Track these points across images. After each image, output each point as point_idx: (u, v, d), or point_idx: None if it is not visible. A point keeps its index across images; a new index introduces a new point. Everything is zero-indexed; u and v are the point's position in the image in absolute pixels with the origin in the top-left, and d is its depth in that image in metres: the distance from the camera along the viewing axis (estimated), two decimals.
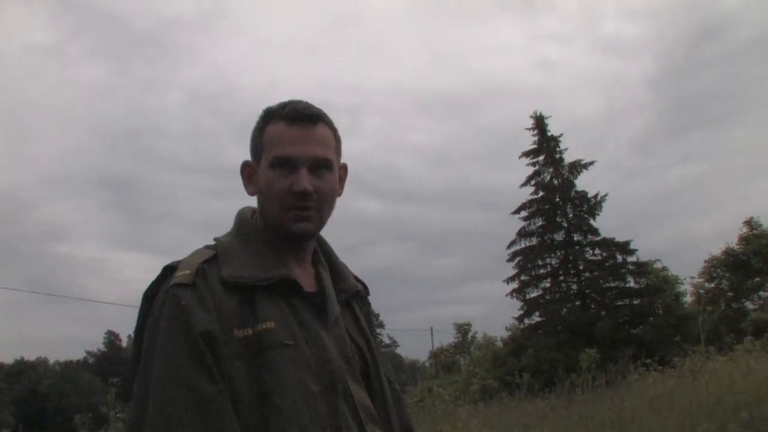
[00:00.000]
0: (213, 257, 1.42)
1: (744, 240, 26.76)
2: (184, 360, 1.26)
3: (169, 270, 1.40)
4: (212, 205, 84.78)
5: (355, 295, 1.62)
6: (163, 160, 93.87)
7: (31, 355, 62.59)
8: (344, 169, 1.62)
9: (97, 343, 64.01)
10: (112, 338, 64.23)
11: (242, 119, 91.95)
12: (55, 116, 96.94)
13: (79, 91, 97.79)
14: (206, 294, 1.33)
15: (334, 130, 1.53)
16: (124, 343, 65.20)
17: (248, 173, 1.55)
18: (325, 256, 1.62)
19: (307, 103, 1.52)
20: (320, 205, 1.47)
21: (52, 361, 64.03)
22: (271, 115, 1.50)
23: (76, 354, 66.20)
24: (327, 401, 1.34)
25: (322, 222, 1.51)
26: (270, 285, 1.39)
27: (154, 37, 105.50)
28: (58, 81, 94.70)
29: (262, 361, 1.31)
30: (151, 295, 1.40)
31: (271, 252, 1.46)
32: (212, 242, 1.50)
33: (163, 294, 1.35)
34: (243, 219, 1.55)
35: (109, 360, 61.18)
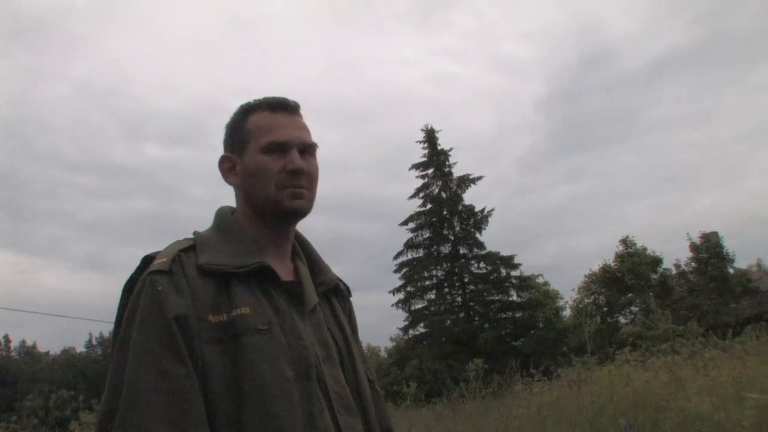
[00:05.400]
0: (191, 246, 1.43)
1: (620, 258, 27.99)
2: (156, 344, 1.26)
3: (147, 260, 1.42)
4: (97, 205, 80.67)
5: (335, 291, 1.65)
6: (45, 155, 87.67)
7: None
8: None
9: None
10: None
11: (132, 116, 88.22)
12: None
13: None
14: (182, 280, 1.34)
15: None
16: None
17: (227, 166, 1.57)
18: (304, 252, 1.65)
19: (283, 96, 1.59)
20: (310, 185, 1.53)
21: None
22: (251, 108, 1.56)
23: None
24: (301, 387, 1.34)
25: (312, 202, 1.55)
26: (247, 273, 1.40)
27: (43, 24, 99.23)
28: None
29: (237, 346, 1.31)
30: (129, 287, 1.40)
31: (249, 242, 1.49)
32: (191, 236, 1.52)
33: (140, 283, 1.36)
34: (222, 215, 1.58)
35: None
